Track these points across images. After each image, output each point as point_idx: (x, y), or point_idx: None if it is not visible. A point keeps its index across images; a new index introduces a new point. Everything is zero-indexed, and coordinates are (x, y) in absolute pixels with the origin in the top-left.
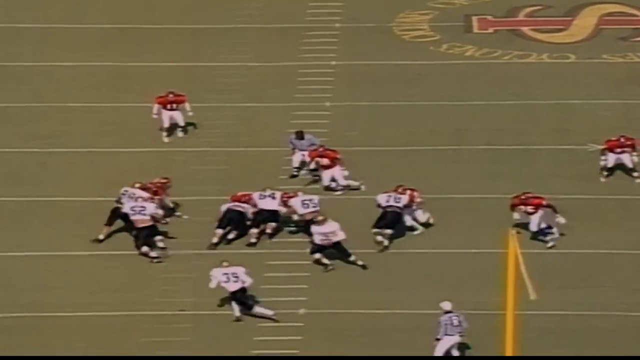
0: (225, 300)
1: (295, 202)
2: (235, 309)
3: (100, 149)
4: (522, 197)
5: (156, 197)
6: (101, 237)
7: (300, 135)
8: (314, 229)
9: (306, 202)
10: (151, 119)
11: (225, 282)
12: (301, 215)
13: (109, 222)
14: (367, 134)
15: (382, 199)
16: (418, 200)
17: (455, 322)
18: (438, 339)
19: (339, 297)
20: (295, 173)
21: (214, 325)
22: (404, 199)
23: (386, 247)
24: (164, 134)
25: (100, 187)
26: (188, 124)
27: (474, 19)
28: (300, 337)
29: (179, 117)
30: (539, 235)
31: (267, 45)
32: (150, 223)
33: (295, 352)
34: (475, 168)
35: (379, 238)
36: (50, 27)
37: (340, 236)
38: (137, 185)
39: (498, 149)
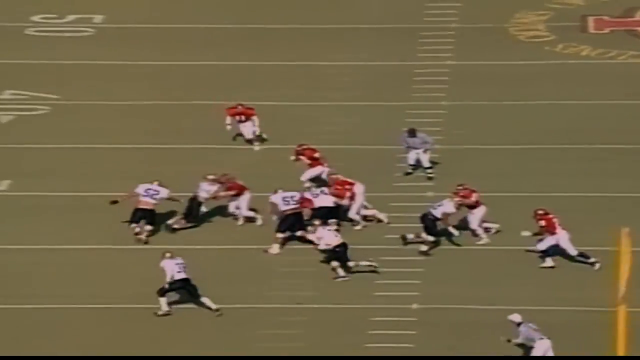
0: (174, 286)
1: (276, 199)
2: (164, 304)
3: (223, 146)
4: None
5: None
6: (176, 226)
7: (412, 133)
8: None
9: (287, 198)
10: (280, 116)
11: (178, 272)
12: (283, 211)
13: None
14: (481, 132)
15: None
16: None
17: (533, 327)
18: (521, 345)
19: (450, 293)
20: (410, 171)
21: (329, 319)
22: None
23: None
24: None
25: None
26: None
27: (590, 19)
28: (413, 331)
29: (246, 130)
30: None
31: (385, 45)
32: (152, 207)
33: (409, 345)
34: (589, 166)
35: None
36: (180, 27)
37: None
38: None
39: (613, 148)
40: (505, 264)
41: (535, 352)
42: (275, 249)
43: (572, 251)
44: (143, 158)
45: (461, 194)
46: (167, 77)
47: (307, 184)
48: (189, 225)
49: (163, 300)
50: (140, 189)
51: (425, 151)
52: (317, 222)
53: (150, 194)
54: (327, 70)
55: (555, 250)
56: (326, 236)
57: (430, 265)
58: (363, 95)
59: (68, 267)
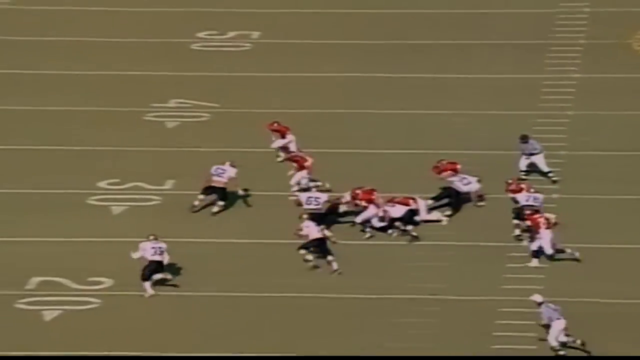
0: (148, 269)
1: (302, 196)
2: (148, 288)
3: (373, 150)
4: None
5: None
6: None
7: (524, 139)
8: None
9: (311, 198)
10: (418, 124)
11: (152, 254)
12: (304, 209)
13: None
14: (604, 140)
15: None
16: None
17: (553, 307)
18: (547, 325)
19: (573, 287)
20: (523, 177)
21: (460, 309)
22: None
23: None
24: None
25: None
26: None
27: None
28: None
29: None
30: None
31: (517, 58)
32: (222, 185)
33: (534, 335)
34: None
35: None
36: (329, 42)
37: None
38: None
39: None
40: (625, 261)
41: (551, 331)
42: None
43: (548, 250)
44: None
45: (511, 187)
46: (315, 88)
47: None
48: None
49: (147, 284)
50: (212, 169)
51: (536, 156)
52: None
53: (218, 172)
54: (463, 82)
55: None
56: (311, 229)
57: (555, 262)
58: (494, 105)
59: (228, 258)
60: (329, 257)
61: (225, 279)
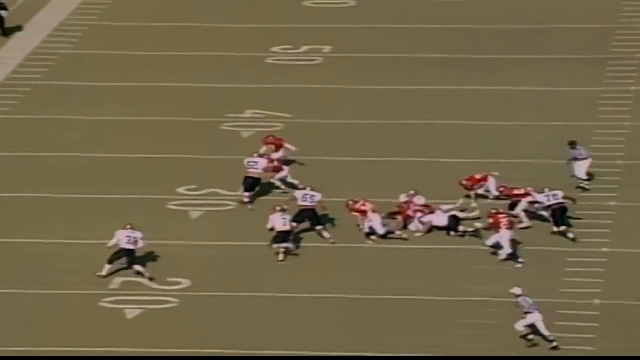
0: (116, 255)
1: (297, 193)
2: (106, 269)
3: (440, 159)
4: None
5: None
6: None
7: (573, 145)
8: None
9: (306, 195)
10: (484, 134)
11: (126, 242)
12: (299, 205)
13: None
14: None
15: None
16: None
17: (530, 301)
18: (526, 313)
19: (630, 290)
20: (586, 186)
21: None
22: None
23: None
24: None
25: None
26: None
27: None
28: (596, 323)
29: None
30: None
31: (577, 71)
32: (257, 176)
33: (591, 336)
34: None
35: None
36: (395, 56)
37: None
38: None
39: None
40: None
41: (524, 322)
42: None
43: (507, 249)
44: (366, 167)
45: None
46: (383, 100)
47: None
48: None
49: (107, 267)
50: (245, 161)
51: (582, 161)
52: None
53: (251, 165)
54: (524, 94)
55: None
56: (276, 222)
57: (611, 264)
58: (555, 116)
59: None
60: (290, 246)
61: (297, 279)
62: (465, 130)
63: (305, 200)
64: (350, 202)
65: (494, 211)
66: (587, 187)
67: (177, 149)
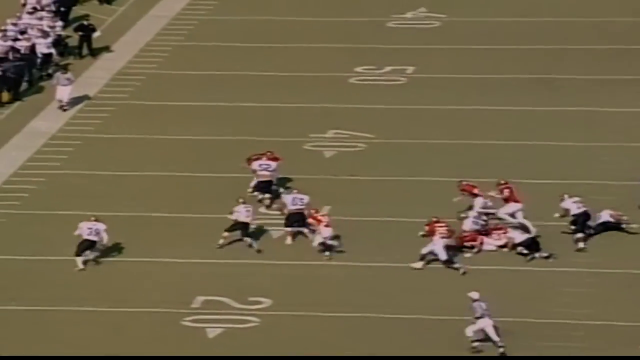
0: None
1: (287, 198)
2: (79, 264)
3: (525, 181)
4: None
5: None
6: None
7: None
8: None
9: (296, 199)
10: (564, 154)
11: (87, 234)
12: (289, 209)
13: None
14: None
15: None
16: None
17: (484, 306)
18: (477, 318)
19: None
20: None
21: (606, 334)
22: None
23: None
24: None
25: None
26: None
27: None
28: None
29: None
30: None
31: None
32: (268, 178)
33: None
34: None
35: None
36: (478, 77)
37: None
38: None
39: None
40: None
41: (474, 327)
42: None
43: (442, 257)
44: (449, 188)
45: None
46: (467, 120)
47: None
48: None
49: (79, 260)
50: (255, 164)
51: None
52: None
53: (264, 167)
54: (611, 116)
55: None
56: (241, 212)
57: None
58: (633, 137)
59: (377, 280)
60: (248, 240)
61: (376, 299)
62: (549, 150)
63: (295, 205)
64: (313, 211)
65: (435, 219)
66: None
67: None
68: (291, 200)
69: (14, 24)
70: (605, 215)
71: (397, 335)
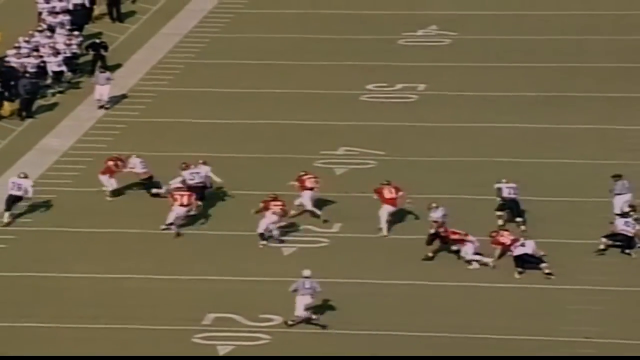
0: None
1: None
2: (5, 216)
3: (535, 198)
4: None
5: None
6: None
7: (617, 178)
8: None
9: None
10: (582, 171)
11: (11, 189)
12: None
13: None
14: None
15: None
16: None
17: (307, 285)
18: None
19: None
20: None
21: (614, 353)
22: None
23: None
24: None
25: None
26: None
27: None
28: None
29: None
30: None
31: None
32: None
33: None
34: None
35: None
36: (489, 94)
37: None
38: None
39: None
40: None
41: (299, 303)
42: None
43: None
44: (461, 205)
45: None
46: (477, 138)
47: None
48: None
49: (6, 214)
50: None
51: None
52: None
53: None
54: (624, 133)
55: None
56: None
57: None
58: None
59: (393, 298)
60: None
61: (395, 317)
62: (560, 168)
63: (192, 179)
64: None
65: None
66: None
67: (271, 185)
68: (189, 175)
69: (27, 41)
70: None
71: (408, 353)
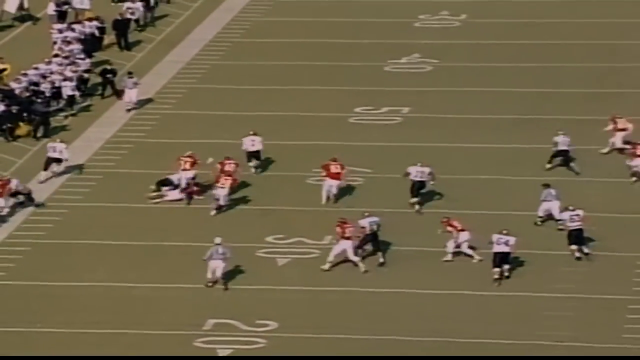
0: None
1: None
2: (42, 175)
3: (515, 212)
4: None
5: None
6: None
7: (547, 187)
8: None
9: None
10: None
11: (49, 152)
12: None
13: None
14: None
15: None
16: None
17: (220, 251)
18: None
19: None
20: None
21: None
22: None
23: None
24: None
25: None
26: None
27: None
28: None
29: None
30: None
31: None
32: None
33: None
34: None
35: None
36: (469, 117)
37: None
38: None
39: None
40: None
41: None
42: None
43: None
44: (434, 220)
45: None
46: (455, 156)
47: None
48: None
49: (43, 173)
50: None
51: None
52: None
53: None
54: (585, 153)
55: None
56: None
57: None
58: (611, 172)
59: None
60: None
61: (384, 323)
62: (536, 185)
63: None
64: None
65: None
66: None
67: (268, 201)
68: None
69: (36, 68)
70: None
71: (397, 354)
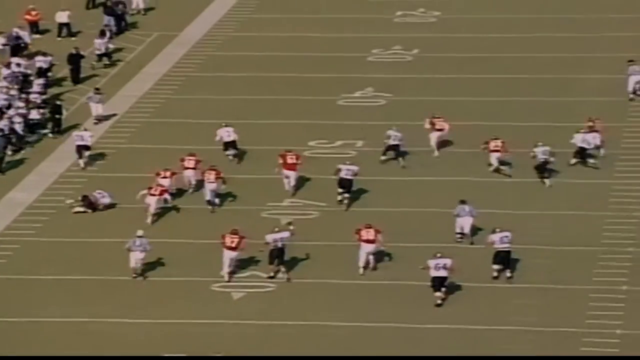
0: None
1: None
2: (81, 162)
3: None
4: None
5: None
6: None
7: (463, 202)
8: None
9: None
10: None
11: (75, 141)
12: None
13: None
14: None
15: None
16: None
17: (137, 243)
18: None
19: None
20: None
21: (550, 339)
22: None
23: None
24: None
25: None
26: None
27: None
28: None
29: None
30: None
31: None
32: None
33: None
34: None
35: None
36: (422, 149)
37: None
38: None
39: None
40: None
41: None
42: None
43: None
44: (396, 250)
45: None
46: (406, 189)
47: None
48: None
49: (80, 161)
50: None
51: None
52: None
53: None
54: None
55: None
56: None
57: None
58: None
59: None
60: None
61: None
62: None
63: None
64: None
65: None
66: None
67: (219, 233)
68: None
69: None
70: None
71: None
